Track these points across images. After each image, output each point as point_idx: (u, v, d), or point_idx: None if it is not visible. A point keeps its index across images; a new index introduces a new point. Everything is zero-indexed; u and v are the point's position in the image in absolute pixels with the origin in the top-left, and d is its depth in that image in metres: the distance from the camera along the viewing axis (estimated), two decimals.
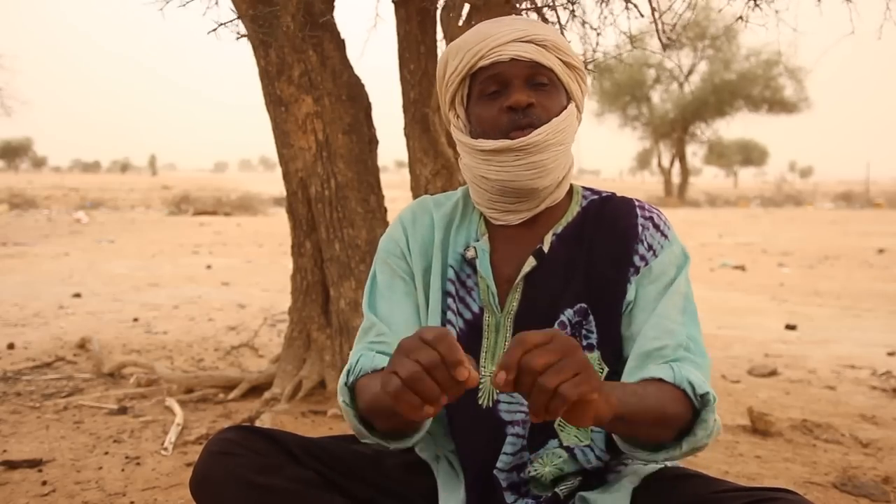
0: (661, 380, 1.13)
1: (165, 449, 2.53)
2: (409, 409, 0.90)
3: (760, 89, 30.90)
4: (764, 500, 1.06)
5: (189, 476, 1.19)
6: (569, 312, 1.26)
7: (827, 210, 27.19)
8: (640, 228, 1.29)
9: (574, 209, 1.34)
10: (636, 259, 1.27)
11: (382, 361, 1.23)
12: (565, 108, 1.27)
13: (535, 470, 1.25)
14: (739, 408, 3.15)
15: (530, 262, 1.27)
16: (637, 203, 1.34)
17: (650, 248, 1.28)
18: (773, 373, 3.88)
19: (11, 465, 2.34)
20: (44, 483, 2.22)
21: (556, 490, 1.25)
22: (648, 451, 1.15)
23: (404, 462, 1.32)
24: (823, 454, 2.60)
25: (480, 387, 1.28)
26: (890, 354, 4.42)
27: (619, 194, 1.37)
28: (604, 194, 1.37)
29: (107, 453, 2.50)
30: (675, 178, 33.40)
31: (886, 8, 2.49)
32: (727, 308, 6.24)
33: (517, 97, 1.22)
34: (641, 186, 57.68)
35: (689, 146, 34.45)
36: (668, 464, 1.30)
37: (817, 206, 29.91)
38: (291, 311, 3.22)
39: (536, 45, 1.23)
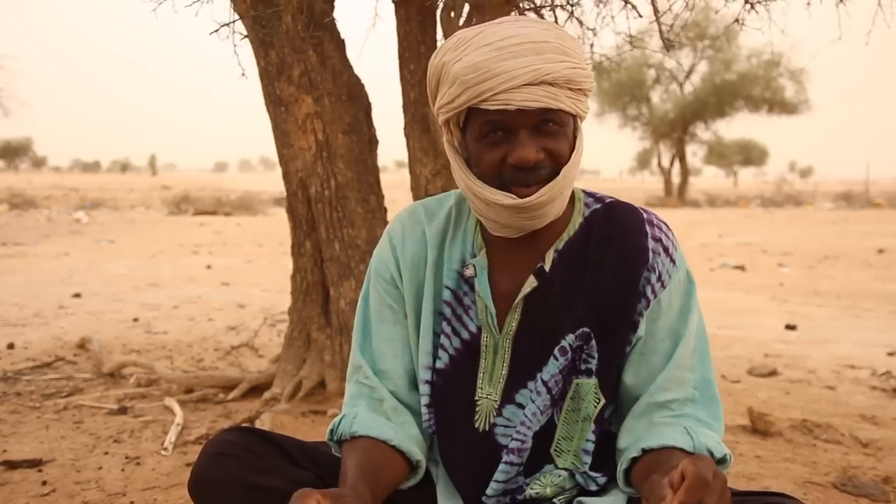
0: (683, 449, 1.13)
1: (165, 449, 2.53)
2: None
3: (761, 90, 30.90)
4: None
5: (189, 476, 1.19)
6: (570, 338, 1.21)
7: (827, 210, 27.18)
8: (650, 254, 1.21)
9: (577, 220, 1.26)
10: (648, 290, 1.20)
11: (359, 427, 1.22)
12: (573, 142, 1.17)
13: (536, 491, 1.24)
14: (739, 408, 3.15)
15: (531, 283, 1.21)
16: (645, 216, 1.25)
17: (660, 278, 1.21)
18: (773, 373, 3.88)
19: (11, 465, 2.34)
20: (44, 483, 2.22)
21: (554, 501, 1.25)
22: None
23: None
24: (823, 454, 2.60)
25: (477, 409, 1.26)
26: (890, 354, 4.41)
27: (621, 201, 1.29)
28: (607, 201, 1.28)
29: (107, 453, 2.50)
30: (675, 178, 33.39)
31: (878, 6, 2.48)
32: (727, 308, 6.24)
33: (525, 155, 1.11)
34: (641, 186, 57.69)
35: (689, 146, 34.46)
36: None
37: (817, 206, 29.89)
38: (291, 311, 3.22)
39: (548, 83, 1.10)
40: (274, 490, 1.13)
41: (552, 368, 1.21)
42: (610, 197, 1.31)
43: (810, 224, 18.41)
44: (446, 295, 1.27)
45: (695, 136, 33.92)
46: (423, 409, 1.28)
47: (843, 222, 18.96)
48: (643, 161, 63.38)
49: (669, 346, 1.22)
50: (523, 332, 1.23)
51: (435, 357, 1.27)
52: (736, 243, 12.86)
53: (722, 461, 1.14)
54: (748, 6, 2.54)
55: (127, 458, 2.45)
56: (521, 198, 1.14)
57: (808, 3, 2.51)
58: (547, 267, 1.22)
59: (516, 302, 1.22)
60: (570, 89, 1.13)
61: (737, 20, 2.58)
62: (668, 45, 2.75)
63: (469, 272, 1.25)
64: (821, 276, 8.61)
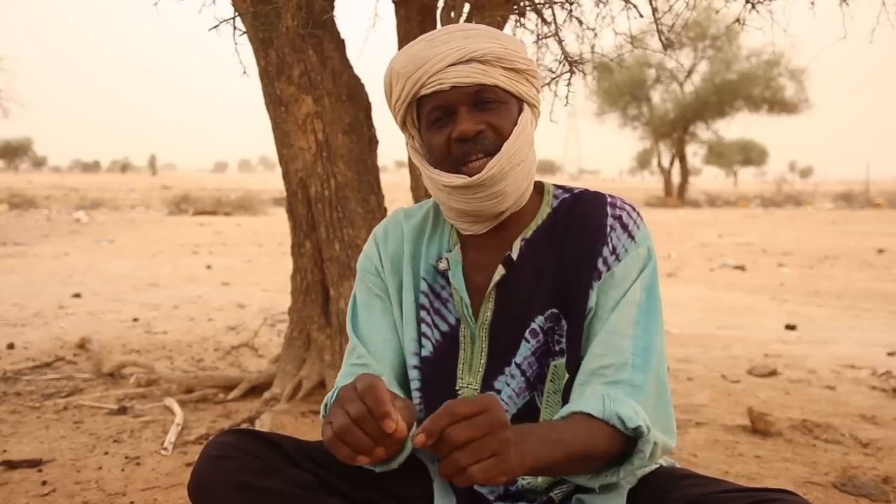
0: (591, 415, 1.11)
1: (165, 449, 2.53)
2: (343, 457, 0.92)
3: (761, 90, 30.90)
4: (762, 501, 1.06)
5: (189, 476, 1.19)
6: (540, 319, 1.24)
7: (827, 210, 27.19)
8: (607, 229, 1.24)
9: (544, 211, 1.31)
10: (599, 263, 1.23)
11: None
12: (517, 120, 1.22)
13: (528, 482, 1.25)
14: (739, 408, 3.15)
15: (500, 271, 1.26)
16: (609, 200, 1.28)
17: (614, 251, 1.23)
18: (773, 373, 3.88)
19: (11, 465, 2.34)
20: (44, 483, 2.22)
21: (551, 495, 1.25)
22: (585, 478, 1.15)
23: (401, 463, 1.33)
24: (823, 454, 2.60)
25: (459, 396, 1.27)
26: (890, 354, 4.41)
27: (592, 190, 1.32)
28: (576, 191, 1.33)
29: (107, 453, 2.50)
30: (675, 178, 33.39)
31: (882, 5, 2.48)
32: (727, 308, 6.24)
33: (463, 127, 1.18)
34: (641, 186, 57.69)
35: (689, 146, 34.45)
36: (664, 463, 1.30)
37: (817, 206, 29.90)
38: (291, 311, 3.22)
39: (478, 62, 1.17)
40: (274, 492, 1.13)
41: (524, 351, 1.25)
42: (583, 188, 1.34)
43: (810, 224, 18.41)
44: (423, 287, 1.32)
45: (695, 136, 33.92)
46: (415, 394, 1.31)
47: (843, 222, 18.97)
48: (643, 161, 63.33)
49: (611, 315, 1.23)
50: (498, 320, 1.27)
51: (420, 345, 1.32)
52: (736, 243, 12.86)
53: (636, 430, 1.11)
54: (749, 6, 2.53)
55: (127, 458, 2.45)
56: (471, 175, 1.19)
57: (813, 3, 2.51)
58: (514, 255, 1.27)
59: (488, 291, 1.27)
60: (505, 68, 1.19)
61: (738, 20, 2.58)
62: (667, 45, 2.75)
63: (443, 265, 1.31)
64: (821, 276, 8.61)
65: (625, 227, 1.25)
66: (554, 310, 1.24)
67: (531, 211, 1.30)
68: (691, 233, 14.86)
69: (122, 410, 2.98)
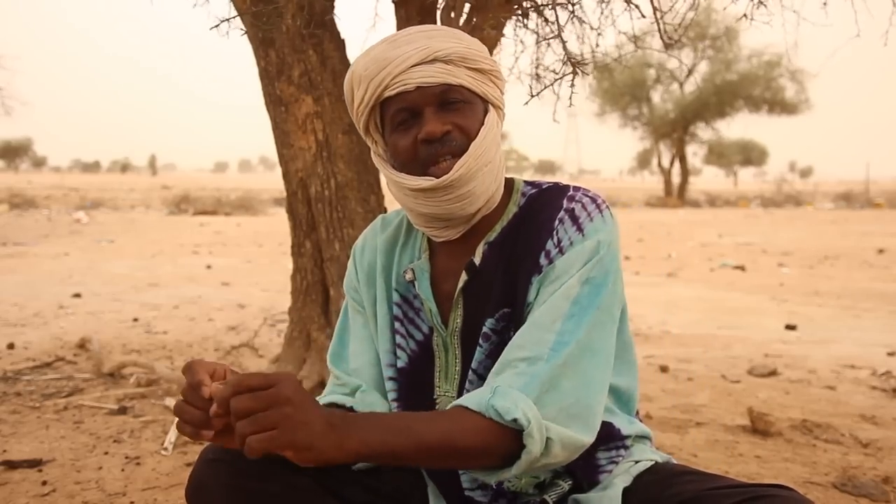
0: (467, 407, 1.07)
1: (165, 449, 2.53)
2: (188, 435, 0.97)
3: (761, 90, 30.91)
4: (759, 497, 1.04)
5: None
6: (490, 322, 1.21)
7: (827, 210, 27.19)
8: (556, 222, 1.18)
9: (511, 210, 1.27)
10: (541, 257, 1.17)
11: (328, 399, 1.29)
12: (483, 120, 1.20)
13: (511, 484, 1.23)
14: (739, 408, 3.15)
15: (463, 277, 1.24)
16: (569, 193, 1.22)
17: (559, 244, 1.17)
18: (773, 373, 3.88)
19: (11, 465, 2.34)
20: (44, 483, 2.22)
21: (546, 496, 1.24)
22: (480, 473, 1.12)
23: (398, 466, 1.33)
24: (823, 454, 2.60)
25: (437, 407, 1.27)
26: (890, 354, 4.41)
27: (562, 184, 1.26)
28: (544, 186, 1.28)
29: (107, 453, 2.50)
30: (676, 178, 33.39)
31: (892, 12, 2.48)
32: (727, 308, 6.24)
33: (430, 128, 1.15)
34: (641, 186, 57.68)
35: (690, 146, 34.46)
36: (660, 461, 1.29)
37: (817, 206, 29.90)
38: (291, 311, 3.22)
39: (442, 62, 1.15)
40: (271, 495, 1.13)
41: (479, 356, 1.22)
42: (552, 183, 1.29)
43: (810, 224, 18.42)
44: (396, 298, 1.32)
45: (695, 136, 33.92)
46: (393, 405, 1.31)
47: (843, 222, 18.97)
48: (643, 161, 63.39)
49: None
50: (467, 326, 1.25)
51: (395, 356, 1.31)
52: (736, 243, 12.86)
53: (516, 423, 1.04)
54: (755, 1, 2.53)
55: (127, 458, 2.45)
56: (439, 177, 1.16)
57: (825, 3, 2.50)
58: (477, 260, 1.24)
59: (455, 299, 1.25)
60: (469, 69, 1.17)
61: (745, 15, 2.57)
62: (669, 45, 2.75)
63: (409, 276, 1.30)
64: (821, 276, 8.61)
65: (575, 219, 1.17)
66: (506, 310, 1.21)
67: (498, 213, 1.26)
68: (691, 233, 14.87)
69: (123, 410, 2.98)
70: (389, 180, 1.25)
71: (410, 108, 1.17)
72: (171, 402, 3.03)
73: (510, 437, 1.06)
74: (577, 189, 1.23)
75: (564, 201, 1.20)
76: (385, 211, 3.11)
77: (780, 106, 30.93)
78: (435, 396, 1.28)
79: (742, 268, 9.24)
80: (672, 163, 33.91)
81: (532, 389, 1.08)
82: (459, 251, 1.27)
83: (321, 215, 3.01)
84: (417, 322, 1.30)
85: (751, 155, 55.40)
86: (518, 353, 1.12)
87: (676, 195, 31.75)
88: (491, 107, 1.22)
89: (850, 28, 2.59)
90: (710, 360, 4.22)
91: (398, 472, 1.30)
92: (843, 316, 5.96)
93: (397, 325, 1.31)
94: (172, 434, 2.64)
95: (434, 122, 1.16)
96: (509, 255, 1.22)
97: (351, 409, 1.28)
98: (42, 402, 3.09)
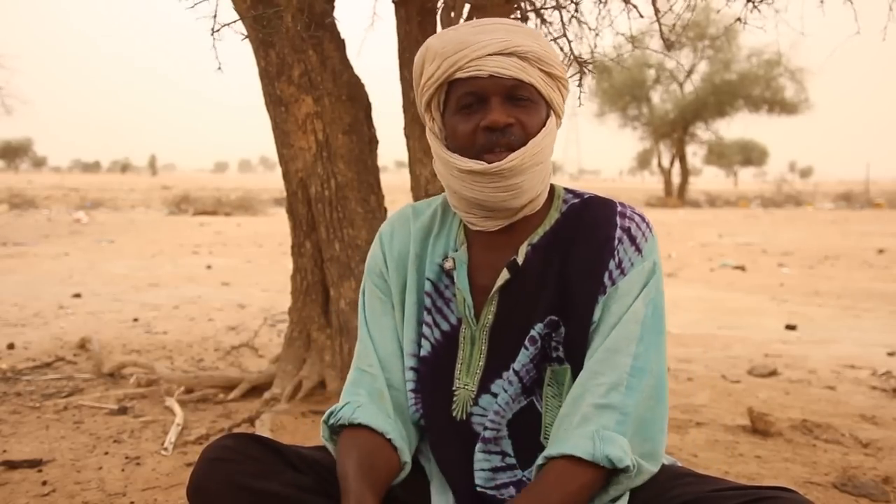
0: (580, 458, 1.12)
1: (165, 449, 2.53)
2: None
3: (761, 90, 30.89)
4: (761, 499, 1.06)
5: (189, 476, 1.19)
6: (539, 327, 1.23)
7: (827, 210, 27.18)
8: (615, 241, 1.23)
9: (553, 216, 1.29)
10: (605, 277, 1.22)
11: (362, 414, 1.25)
12: (545, 122, 1.22)
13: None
14: (739, 408, 3.15)
15: (504, 275, 1.25)
16: (619, 209, 1.27)
17: (620, 264, 1.22)
18: (773, 373, 3.88)
19: (11, 465, 2.34)
20: (44, 483, 2.22)
21: None
22: None
23: None
24: (823, 454, 2.60)
25: (455, 399, 1.28)
26: (890, 354, 4.41)
27: (601, 196, 1.31)
28: (585, 196, 1.32)
29: (107, 453, 2.50)
30: (676, 178, 33.38)
31: (889, 9, 2.49)
32: (727, 308, 6.24)
33: (495, 117, 1.17)
34: (641, 186, 57.68)
35: (689, 146, 34.44)
36: (665, 462, 1.30)
37: (817, 206, 29.89)
38: (291, 311, 3.22)
39: (518, 57, 1.17)
40: (273, 494, 1.14)
41: (523, 358, 1.24)
42: (592, 193, 1.33)
43: (810, 224, 18.41)
44: (428, 287, 1.32)
45: (695, 136, 33.91)
46: (410, 395, 1.31)
47: (843, 222, 18.96)
48: (643, 161, 63.32)
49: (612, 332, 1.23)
50: (499, 323, 1.26)
51: (419, 346, 1.31)
52: (736, 243, 12.86)
53: (624, 471, 1.14)
54: (750, 5, 2.53)
55: (127, 458, 2.45)
56: (490, 163, 1.18)
57: (822, 2, 2.50)
58: (520, 260, 1.26)
59: (491, 294, 1.26)
60: (542, 70, 1.20)
61: (739, 19, 2.58)
62: (669, 45, 2.75)
63: (448, 265, 1.29)
64: (821, 276, 8.61)
65: (633, 239, 1.23)
66: (553, 317, 1.23)
67: (540, 215, 1.29)
68: (691, 233, 14.87)
69: (123, 410, 2.98)
70: (439, 159, 1.26)
71: (479, 94, 1.19)
72: (171, 402, 3.03)
73: (608, 475, 1.15)
74: (623, 205, 1.28)
75: (618, 219, 1.25)
76: (385, 211, 3.11)
77: (779, 106, 30.89)
78: (454, 388, 1.28)
79: (742, 268, 9.24)
80: (672, 163, 33.90)
81: (626, 431, 1.15)
82: (497, 246, 1.28)
83: (321, 215, 3.01)
84: (446, 312, 1.30)
85: (751, 155, 55.35)
86: (598, 379, 1.18)
87: (676, 195, 31.73)
88: (552, 112, 1.25)
89: (851, 27, 2.59)
90: (710, 360, 4.22)
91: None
92: (843, 316, 5.96)
93: (426, 314, 1.31)
94: (172, 434, 2.64)
95: (499, 112, 1.18)
96: (562, 264, 1.24)
97: (389, 440, 1.24)
98: (42, 402, 3.09)
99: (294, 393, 3.03)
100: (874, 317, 5.93)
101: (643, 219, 1.27)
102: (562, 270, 1.24)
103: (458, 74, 1.18)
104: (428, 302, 1.31)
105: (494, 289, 1.25)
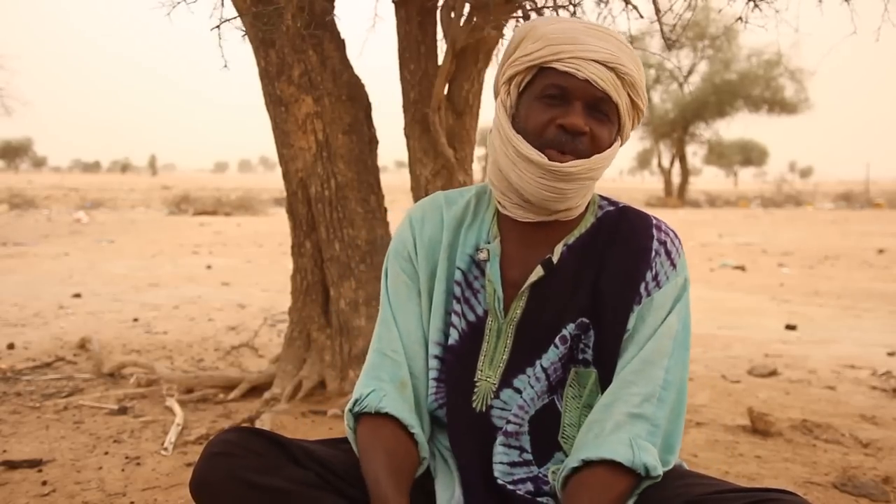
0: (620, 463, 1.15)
1: (165, 449, 2.53)
2: None
3: (761, 90, 30.89)
4: (763, 501, 1.06)
5: (189, 476, 1.19)
6: (571, 327, 1.25)
7: (827, 210, 27.18)
8: (652, 253, 1.26)
9: (588, 220, 1.32)
10: (642, 288, 1.25)
11: (389, 404, 1.25)
12: (612, 142, 1.24)
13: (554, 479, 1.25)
14: (739, 408, 3.15)
15: (538, 272, 1.26)
16: (654, 222, 1.30)
17: (656, 277, 1.25)
18: (773, 373, 3.88)
19: (11, 465, 2.33)
20: (44, 483, 2.22)
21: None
22: None
23: None
24: (823, 454, 2.60)
25: (476, 390, 1.28)
26: (890, 354, 4.41)
27: (635, 207, 1.35)
28: (620, 205, 1.35)
29: (107, 453, 2.50)
30: (676, 178, 33.39)
31: (885, 10, 2.49)
32: (727, 308, 6.24)
33: (575, 120, 1.19)
34: (641, 186, 57.70)
35: (690, 146, 34.44)
36: None
37: (817, 206, 29.89)
38: (291, 311, 3.22)
39: (617, 74, 1.19)
40: (276, 489, 1.14)
41: (552, 356, 1.25)
42: (625, 203, 1.36)
43: (810, 224, 18.41)
44: (458, 276, 1.32)
45: (695, 136, 33.91)
46: (431, 383, 1.31)
47: (843, 222, 18.97)
48: (643, 161, 63.33)
49: (647, 343, 1.25)
50: (527, 319, 1.27)
51: (446, 335, 1.32)
52: (736, 243, 12.86)
53: (652, 480, 1.17)
54: (751, 4, 2.53)
55: (127, 458, 2.45)
56: (551, 160, 1.19)
57: (820, 1, 2.50)
58: (555, 259, 1.27)
59: (523, 289, 1.27)
60: (630, 97, 1.23)
61: (740, 18, 2.58)
62: (670, 45, 2.75)
63: (482, 256, 1.30)
64: (821, 276, 8.61)
65: (668, 253, 1.27)
66: (584, 319, 1.25)
67: (577, 217, 1.31)
68: (691, 233, 14.86)
69: (123, 410, 2.98)
70: (500, 134, 1.26)
71: (567, 91, 1.19)
72: (171, 402, 3.03)
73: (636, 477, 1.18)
74: (657, 219, 1.31)
75: (654, 231, 1.29)
76: (385, 211, 3.11)
77: (779, 106, 30.90)
78: (476, 380, 1.29)
79: (742, 268, 9.24)
80: (672, 163, 33.90)
81: (656, 443, 1.20)
82: (530, 242, 1.30)
83: (321, 215, 3.01)
84: (473, 303, 1.31)
85: (751, 155, 55.36)
86: (632, 388, 1.21)
87: (676, 195, 31.74)
88: (619, 136, 1.26)
89: (849, 27, 2.59)
90: (710, 360, 4.22)
91: None
92: (843, 316, 5.96)
93: (455, 303, 1.31)
94: (172, 434, 2.64)
95: (580, 117, 1.19)
96: (597, 269, 1.27)
97: (412, 434, 1.25)
98: (42, 402, 3.09)
99: (294, 393, 3.03)
100: (874, 317, 5.93)
101: (676, 235, 1.31)
102: (597, 275, 1.26)
103: (556, 65, 1.19)
104: (457, 291, 1.31)
105: (526, 284, 1.27)
